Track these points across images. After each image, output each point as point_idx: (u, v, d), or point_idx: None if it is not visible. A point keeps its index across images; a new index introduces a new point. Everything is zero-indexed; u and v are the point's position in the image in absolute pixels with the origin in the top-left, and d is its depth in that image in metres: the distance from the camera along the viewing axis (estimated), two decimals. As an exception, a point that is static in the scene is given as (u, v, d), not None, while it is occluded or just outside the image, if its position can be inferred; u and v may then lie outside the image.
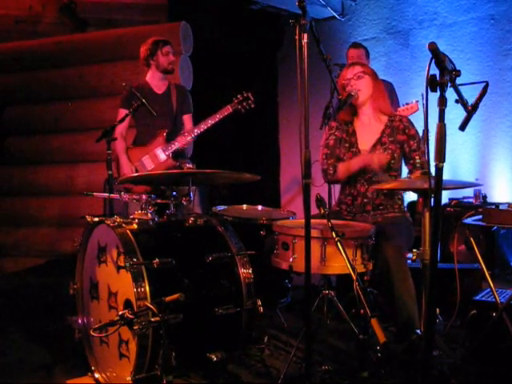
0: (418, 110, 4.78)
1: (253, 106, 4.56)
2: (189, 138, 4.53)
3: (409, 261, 3.15)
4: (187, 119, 4.87)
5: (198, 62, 6.12)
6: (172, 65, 4.71)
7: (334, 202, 4.16)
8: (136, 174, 3.75)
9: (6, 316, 4.31)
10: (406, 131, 3.51)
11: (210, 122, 4.51)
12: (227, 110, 4.51)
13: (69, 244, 5.98)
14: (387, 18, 6.71)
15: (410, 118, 3.73)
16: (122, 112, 4.52)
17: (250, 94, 4.54)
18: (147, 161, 4.52)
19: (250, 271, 3.07)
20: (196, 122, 4.97)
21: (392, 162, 3.49)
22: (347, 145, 3.61)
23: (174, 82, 4.95)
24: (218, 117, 4.50)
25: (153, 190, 4.05)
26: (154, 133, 4.52)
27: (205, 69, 6.24)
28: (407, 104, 4.90)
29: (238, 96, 4.55)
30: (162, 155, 4.52)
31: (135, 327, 2.51)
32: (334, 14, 6.82)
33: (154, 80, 4.72)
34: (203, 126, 4.51)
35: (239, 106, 4.52)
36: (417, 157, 3.32)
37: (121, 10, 6.99)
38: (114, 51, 6.27)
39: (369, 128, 3.60)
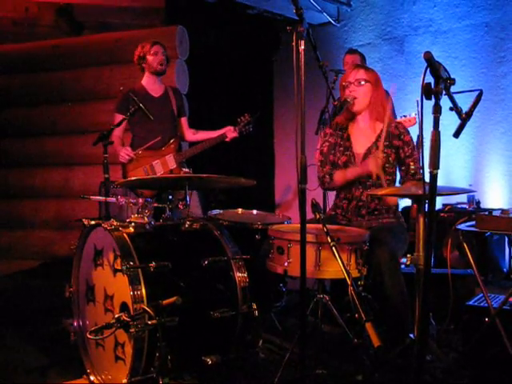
0: (415, 123, 4.78)
1: (251, 129, 4.71)
2: (205, 147, 4.63)
3: (403, 266, 3.17)
4: (184, 122, 4.91)
5: (194, 66, 6.13)
6: (162, 65, 4.67)
7: (329, 207, 4.18)
8: (133, 178, 3.76)
9: (0, 318, 4.31)
10: (402, 137, 3.53)
11: (214, 141, 4.67)
12: (232, 132, 4.63)
13: (64, 246, 6.04)
14: (382, 24, 6.76)
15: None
16: (118, 116, 4.52)
17: (251, 119, 4.65)
18: (158, 165, 4.57)
19: (246, 275, 3.08)
20: (191, 125, 5.01)
21: (387, 165, 3.51)
22: (342, 149, 3.63)
23: (170, 86, 4.96)
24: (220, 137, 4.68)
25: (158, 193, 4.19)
26: (152, 137, 4.52)
27: (201, 73, 6.26)
28: (405, 116, 4.88)
29: (242, 118, 4.65)
30: (172, 162, 4.57)
31: (131, 330, 2.52)
32: (330, 19, 6.87)
33: (150, 83, 4.72)
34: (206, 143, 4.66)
35: (243, 129, 4.62)
36: (411, 163, 3.36)
37: (117, 14, 7.00)
38: (111, 54, 6.29)
39: (364, 132, 3.62)
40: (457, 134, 2.44)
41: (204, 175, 3.11)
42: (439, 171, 2.14)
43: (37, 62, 6.75)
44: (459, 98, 2.32)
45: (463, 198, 5.70)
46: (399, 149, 3.53)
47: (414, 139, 4.30)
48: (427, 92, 2.11)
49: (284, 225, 3.68)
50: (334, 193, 3.79)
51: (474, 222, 3.18)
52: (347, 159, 3.60)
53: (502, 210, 3.17)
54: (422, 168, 2.24)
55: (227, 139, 4.65)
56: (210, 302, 2.96)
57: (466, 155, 6.11)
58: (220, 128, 4.70)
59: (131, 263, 2.71)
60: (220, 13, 6.38)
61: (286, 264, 2.99)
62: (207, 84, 6.45)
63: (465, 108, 2.39)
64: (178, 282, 2.89)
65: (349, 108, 3.55)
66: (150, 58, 4.64)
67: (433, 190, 2.14)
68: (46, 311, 4.37)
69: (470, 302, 3.33)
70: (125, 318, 2.46)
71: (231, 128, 4.64)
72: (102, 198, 3.83)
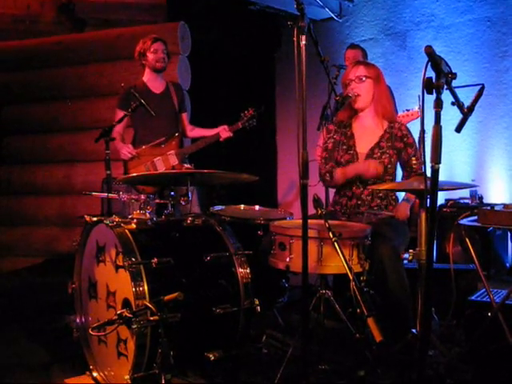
0: (418, 117, 4.77)
1: (255, 124, 4.65)
2: (201, 146, 4.60)
3: (405, 261, 3.17)
4: (185, 117, 4.90)
5: (196, 62, 6.12)
6: (161, 62, 4.67)
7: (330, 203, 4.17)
8: (135, 174, 3.76)
9: (3, 315, 4.32)
10: (405, 139, 3.54)
11: (209, 140, 4.65)
12: (226, 132, 4.60)
13: (66, 243, 6.05)
14: (384, 20, 6.74)
15: (408, 123, 3.75)
16: (119, 113, 4.52)
17: (255, 113, 4.61)
18: (159, 162, 4.56)
19: (248, 271, 3.09)
20: (192, 122, 5.00)
21: (388, 166, 3.52)
22: (345, 147, 3.63)
23: (171, 81, 4.95)
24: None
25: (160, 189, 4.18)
26: (153, 133, 4.52)
27: (203, 69, 6.25)
28: (408, 110, 4.88)
29: (246, 112, 4.61)
30: (173, 159, 4.56)
31: (134, 326, 2.52)
32: (332, 15, 6.85)
33: (151, 80, 4.72)
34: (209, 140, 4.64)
35: (247, 124, 4.59)
36: (413, 158, 3.36)
37: (119, 10, 6.98)
38: (113, 51, 6.27)
39: (368, 132, 3.61)
40: (459, 129, 2.43)
41: (206, 171, 3.12)
42: (442, 166, 2.13)
43: (39, 58, 6.74)
44: (461, 92, 2.32)
45: (466, 192, 5.69)
46: (401, 151, 3.54)
47: (416, 134, 4.30)
48: (428, 86, 2.10)
49: (286, 221, 3.68)
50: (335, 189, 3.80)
51: (476, 217, 3.16)
52: (350, 158, 3.60)
53: (505, 205, 3.16)
54: (424, 163, 2.24)
55: (221, 139, 4.61)
56: (212, 298, 2.97)
57: (469, 150, 6.10)
58: (221, 124, 4.68)
59: (133, 259, 2.72)
60: (222, 9, 6.37)
61: (288, 260, 2.98)
62: (209, 80, 6.44)
63: (467, 103, 2.39)
64: (180, 277, 2.89)
65: (351, 104, 3.55)
66: (149, 55, 4.63)
67: (435, 185, 2.13)
68: (48, 308, 4.38)
69: (473, 297, 3.32)
70: (127, 314, 2.46)
71: (226, 127, 4.60)
72: (104, 195, 3.83)
